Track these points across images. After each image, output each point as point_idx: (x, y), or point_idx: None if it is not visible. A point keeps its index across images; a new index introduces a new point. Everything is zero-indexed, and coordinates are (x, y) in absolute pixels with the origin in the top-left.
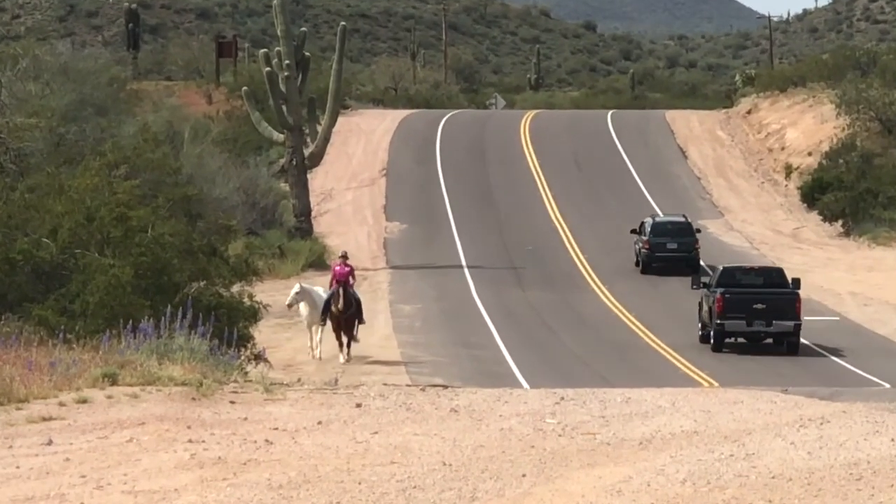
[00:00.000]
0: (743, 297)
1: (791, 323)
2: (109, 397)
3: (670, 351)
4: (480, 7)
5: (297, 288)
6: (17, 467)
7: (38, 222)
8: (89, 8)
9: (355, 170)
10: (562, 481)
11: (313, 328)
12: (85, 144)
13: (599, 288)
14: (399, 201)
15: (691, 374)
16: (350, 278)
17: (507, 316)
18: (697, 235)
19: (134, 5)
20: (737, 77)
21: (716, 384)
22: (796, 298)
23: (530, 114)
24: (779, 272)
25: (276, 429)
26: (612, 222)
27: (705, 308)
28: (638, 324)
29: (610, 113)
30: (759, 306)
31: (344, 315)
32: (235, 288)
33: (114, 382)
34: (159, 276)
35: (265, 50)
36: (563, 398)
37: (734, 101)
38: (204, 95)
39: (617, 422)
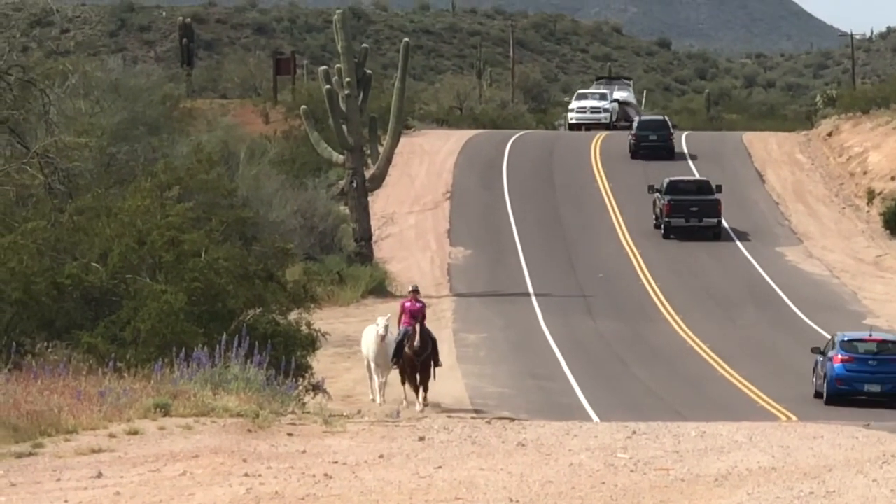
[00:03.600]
0: (683, 202)
1: (714, 220)
2: (161, 429)
3: (747, 384)
4: (550, 23)
5: (384, 322)
6: (66, 501)
7: (87, 246)
8: (141, 22)
9: (418, 192)
10: None
11: (379, 371)
12: (136, 165)
13: (673, 318)
14: (463, 226)
15: (769, 407)
16: (422, 315)
17: (576, 346)
18: (672, 130)
19: (188, 20)
20: (817, 98)
21: (794, 418)
22: (718, 202)
23: (601, 134)
24: (707, 183)
25: (336, 462)
26: (685, 248)
27: (658, 208)
28: (713, 355)
29: (685, 134)
30: (694, 209)
31: (419, 357)
32: (293, 315)
33: (166, 413)
34: (213, 302)
35: (325, 67)
36: (634, 432)
37: (814, 123)
38: (261, 114)
39: (691, 457)
